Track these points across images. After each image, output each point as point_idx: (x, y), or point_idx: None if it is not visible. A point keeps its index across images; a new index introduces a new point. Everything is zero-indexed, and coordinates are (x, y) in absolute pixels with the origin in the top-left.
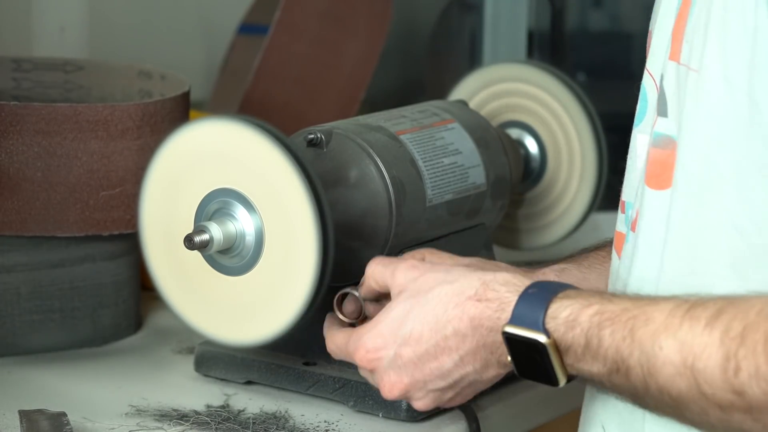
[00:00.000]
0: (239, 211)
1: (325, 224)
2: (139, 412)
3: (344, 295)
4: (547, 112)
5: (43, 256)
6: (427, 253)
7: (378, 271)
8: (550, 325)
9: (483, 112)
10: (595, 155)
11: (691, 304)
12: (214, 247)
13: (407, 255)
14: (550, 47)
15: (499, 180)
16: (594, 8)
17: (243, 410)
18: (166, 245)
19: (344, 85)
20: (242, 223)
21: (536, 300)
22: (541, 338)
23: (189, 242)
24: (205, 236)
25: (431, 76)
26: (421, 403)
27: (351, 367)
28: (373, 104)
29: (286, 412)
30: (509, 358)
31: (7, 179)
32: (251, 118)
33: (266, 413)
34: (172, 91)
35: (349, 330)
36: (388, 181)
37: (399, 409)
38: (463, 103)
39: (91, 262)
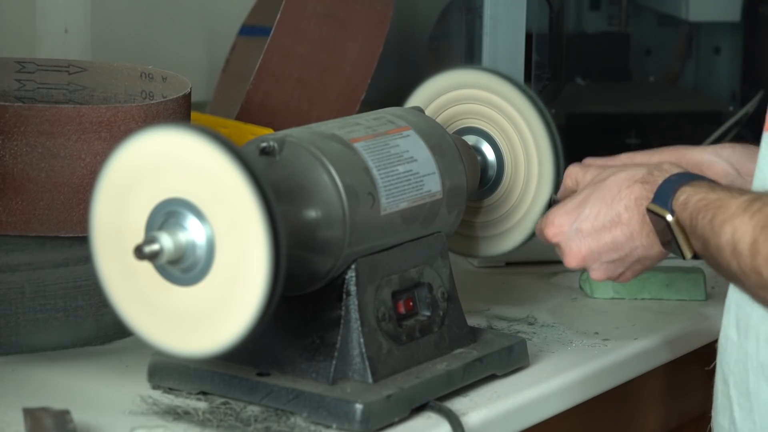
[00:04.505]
0: (190, 220)
1: (277, 234)
2: (142, 409)
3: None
4: (503, 118)
5: (46, 256)
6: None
7: (575, 171)
8: (676, 206)
9: (439, 119)
10: (552, 161)
11: (756, 197)
12: (165, 258)
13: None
14: (548, 49)
15: (455, 187)
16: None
17: (245, 408)
18: (117, 254)
19: (344, 86)
20: (193, 233)
21: (672, 185)
22: (667, 216)
23: (139, 253)
24: (156, 246)
25: (430, 77)
26: (596, 274)
27: (304, 377)
28: (372, 105)
29: (288, 410)
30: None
31: (12, 180)
32: (202, 127)
33: (268, 411)
34: (173, 92)
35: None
36: (342, 189)
37: (353, 420)
38: (419, 110)
39: None
